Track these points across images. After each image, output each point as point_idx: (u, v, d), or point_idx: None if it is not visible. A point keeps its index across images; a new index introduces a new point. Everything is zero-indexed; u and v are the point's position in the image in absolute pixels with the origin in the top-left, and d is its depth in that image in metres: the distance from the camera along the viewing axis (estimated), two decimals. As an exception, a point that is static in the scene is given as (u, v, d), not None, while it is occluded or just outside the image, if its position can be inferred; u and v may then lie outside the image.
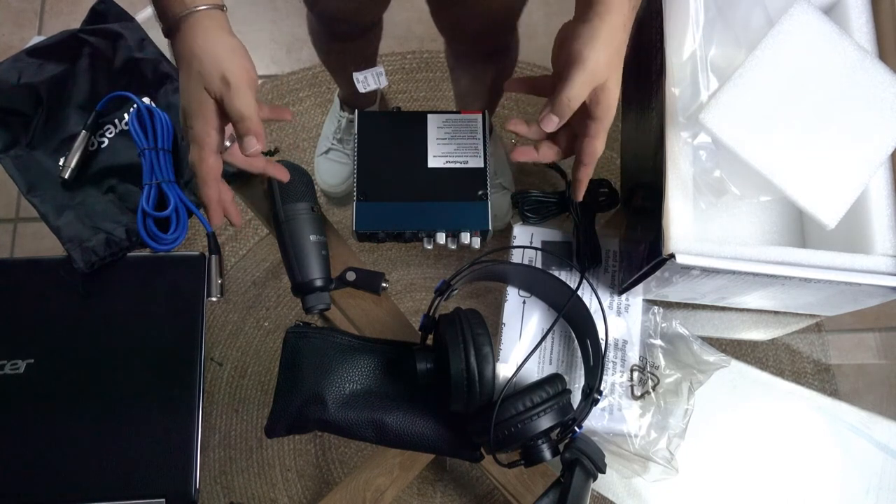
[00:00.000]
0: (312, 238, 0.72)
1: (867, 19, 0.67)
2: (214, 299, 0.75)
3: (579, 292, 0.67)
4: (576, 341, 0.70)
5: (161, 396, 0.71)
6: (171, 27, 0.56)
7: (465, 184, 0.74)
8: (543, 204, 0.75)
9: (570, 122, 0.58)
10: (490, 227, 0.73)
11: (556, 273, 0.70)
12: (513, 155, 0.61)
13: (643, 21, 0.71)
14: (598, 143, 0.58)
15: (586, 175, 0.60)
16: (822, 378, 0.88)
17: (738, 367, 0.77)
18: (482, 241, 0.75)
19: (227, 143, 0.59)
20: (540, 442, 0.60)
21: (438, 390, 0.62)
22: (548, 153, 0.62)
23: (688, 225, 0.60)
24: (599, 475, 0.62)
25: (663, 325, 0.72)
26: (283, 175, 0.66)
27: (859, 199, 0.61)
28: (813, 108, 0.61)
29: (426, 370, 0.63)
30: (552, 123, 0.56)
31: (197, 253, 0.76)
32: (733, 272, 0.59)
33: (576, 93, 0.54)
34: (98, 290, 0.74)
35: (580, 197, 0.62)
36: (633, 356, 0.70)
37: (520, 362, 0.64)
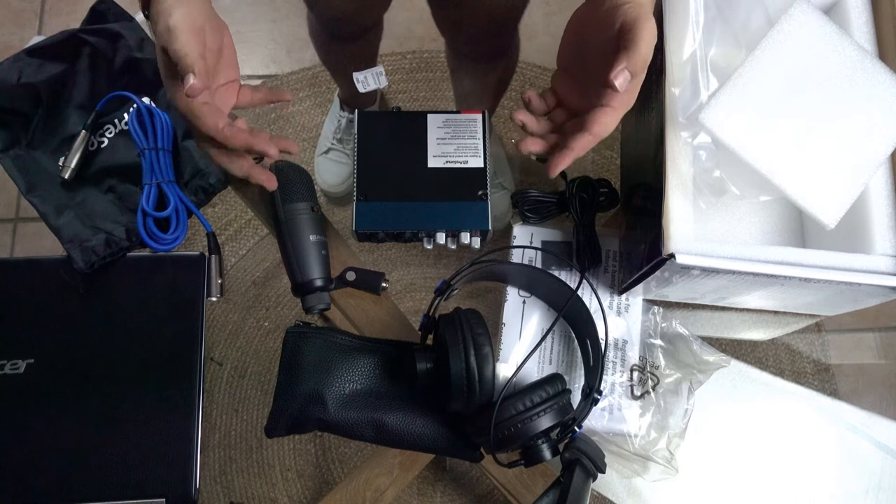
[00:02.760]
0: (312, 238, 0.72)
1: (867, 19, 0.67)
2: (214, 299, 0.75)
3: (579, 292, 0.67)
4: (576, 341, 0.70)
5: (161, 396, 0.71)
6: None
7: (465, 184, 0.74)
8: (543, 204, 0.75)
9: (576, 106, 0.57)
10: (490, 227, 0.73)
11: (556, 273, 0.70)
12: (522, 145, 0.57)
13: (643, 21, 0.71)
14: (615, 117, 0.54)
15: (583, 147, 0.54)
16: (821, 378, 0.88)
17: (738, 367, 0.78)
18: (482, 241, 0.75)
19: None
20: (540, 442, 0.60)
21: (438, 390, 0.62)
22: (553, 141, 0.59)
23: (688, 225, 0.60)
24: (599, 475, 0.62)
25: (663, 325, 0.72)
26: (270, 183, 0.65)
27: (859, 199, 0.61)
28: (813, 107, 0.61)
29: (426, 370, 0.63)
30: (626, 80, 0.50)
31: (197, 253, 0.76)
32: (733, 272, 0.59)
33: (649, 46, 0.50)
34: (98, 290, 0.74)
35: (557, 170, 0.55)
36: (633, 356, 0.70)
37: (520, 362, 0.64)
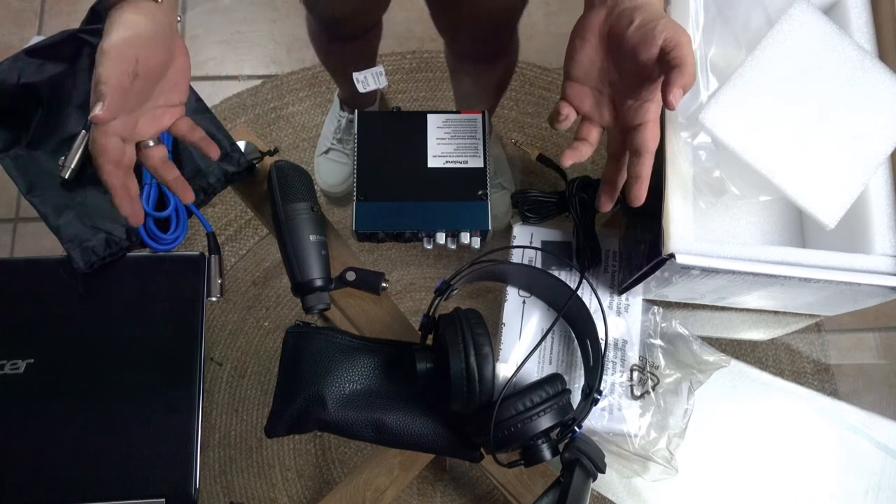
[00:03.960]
0: (312, 238, 0.72)
1: (867, 19, 0.67)
2: (214, 299, 0.75)
3: (579, 292, 0.67)
4: (576, 341, 0.70)
5: (161, 396, 0.71)
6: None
7: (465, 184, 0.74)
8: (543, 204, 0.75)
9: (589, 115, 0.58)
10: (490, 227, 0.73)
11: (556, 273, 0.70)
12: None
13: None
14: (658, 128, 0.55)
15: (650, 168, 0.55)
16: (821, 378, 0.88)
17: (738, 367, 0.78)
18: (482, 241, 0.75)
19: (150, 143, 0.60)
20: (540, 442, 0.60)
21: (438, 390, 0.62)
22: (588, 149, 0.59)
23: (688, 225, 0.60)
24: (599, 475, 0.62)
25: (663, 325, 0.72)
26: (211, 151, 0.65)
27: (859, 199, 0.61)
28: (812, 108, 0.61)
29: (426, 370, 0.63)
30: (679, 97, 0.51)
31: (197, 253, 0.76)
32: (733, 272, 0.59)
33: (694, 61, 0.51)
34: (98, 290, 0.74)
35: (642, 199, 0.56)
36: (633, 356, 0.70)
37: (520, 362, 0.64)
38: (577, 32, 0.57)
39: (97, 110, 0.53)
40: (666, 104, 0.51)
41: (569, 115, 0.57)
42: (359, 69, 0.81)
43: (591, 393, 0.63)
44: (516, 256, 0.74)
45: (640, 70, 0.53)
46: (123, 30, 0.54)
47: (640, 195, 0.56)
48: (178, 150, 0.78)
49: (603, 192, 0.61)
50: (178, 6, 0.60)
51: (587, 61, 0.56)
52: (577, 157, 0.58)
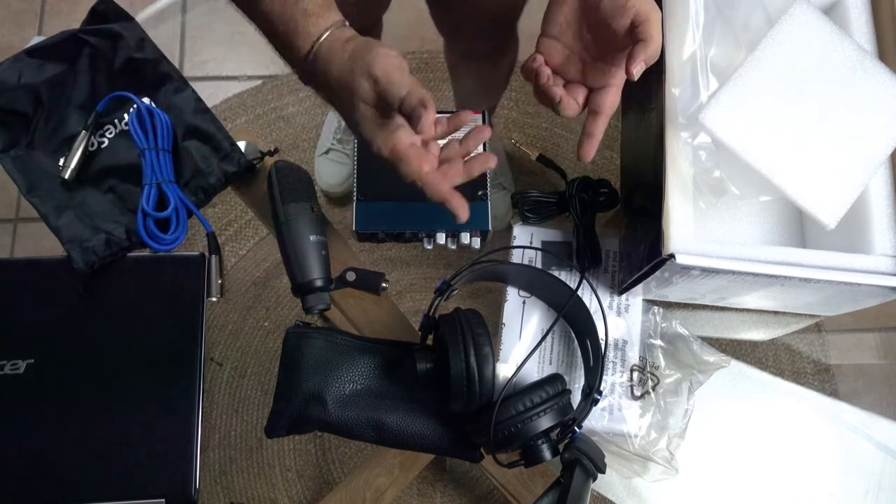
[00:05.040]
0: (312, 238, 0.72)
1: (867, 19, 0.67)
2: (214, 299, 0.75)
3: (579, 292, 0.67)
4: (576, 341, 0.70)
5: (161, 396, 0.71)
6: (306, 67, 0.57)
7: (465, 184, 0.74)
8: (543, 204, 0.75)
9: (560, 70, 0.59)
10: (490, 228, 0.73)
11: (556, 273, 0.70)
12: (585, 153, 0.58)
13: (643, 21, 0.71)
14: (619, 95, 0.58)
15: (602, 129, 0.58)
16: (821, 378, 0.88)
17: (738, 367, 0.78)
18: (482, 242, 0.75)
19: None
20: (540, 442, 0.60)
21: (438, 390, 0.62)
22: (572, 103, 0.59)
23: (688, 225, 0.60)
24: (599, 475, 0.62)
25: (663, 325, 0.72)
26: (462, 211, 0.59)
27: (859, 199, 0.61)
28: (813, 108, 0.61)
29: (426, 370, 0.63)
30: (641, 70, 0.54)
31: (197, 253, 0.76)
32: (733, 272, 0.59)
33: (660, 37, 0.54)
34: (98, 290, 0.74)
35: (590, 155, 0.58)
36: (633, 356, 0.70)
37: (520, 362, 0.64)
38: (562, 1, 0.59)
39: (425, 118, 0.52)
40: (628, 75, 0.54)
41: (540, 64, 0.58)
42: (359, 69, 0.81)
43: (592, 393, 0.63)
44: (516, 256, 0.74)
45: (611, 37, 0.56)
46: (366, 55, 0.54)
47: (590, 152, 0.58)
48: (178, 150, 0.78)
49: (581, 142, 0.60)
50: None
51: (563, 21, 0.59)
52: (592, 147, 0.58)
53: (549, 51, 0.60)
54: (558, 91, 0.57)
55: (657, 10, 0.54)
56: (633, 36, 0.54)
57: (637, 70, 0.54)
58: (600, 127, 0.58)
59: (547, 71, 0.58)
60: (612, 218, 0.79)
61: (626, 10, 0.54)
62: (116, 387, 0.71)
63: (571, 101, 0.58)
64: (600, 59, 0.58)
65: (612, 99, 0.58)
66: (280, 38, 0.59)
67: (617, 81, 0.58)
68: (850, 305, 0.71)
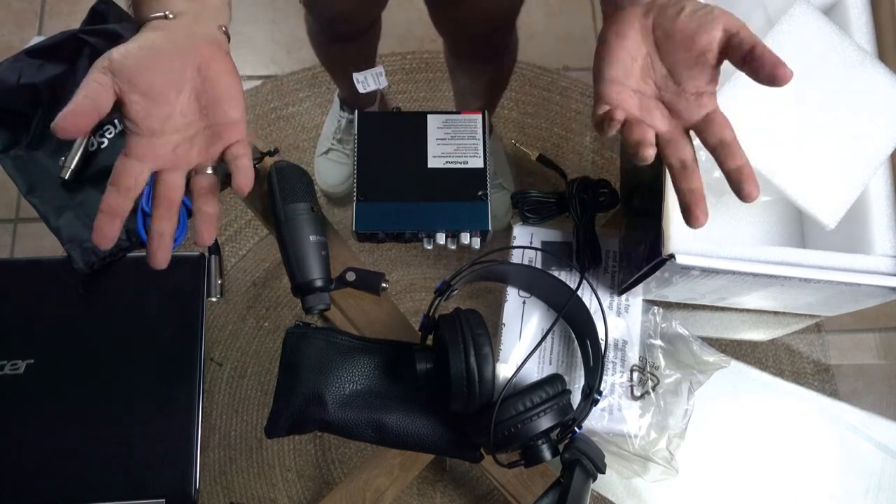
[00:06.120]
0: (312, 238, 0.72)
1: (867, 19, 0.67)
2: (214, 299, 0.75)
3: (579, 292, 0.67)
4: (576, 341, 0.70)
5: (161, 396, 0.71)
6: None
7: (465, 184, 0.74)
8: (543, 204, 0.75)
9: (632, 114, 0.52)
10: (490, 228, 0.73)
11: (556, 273, 0.70)
12: (694, 212, 0.51)
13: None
14: (723, 115, 0.51)
15: (743, 153, 0.50)
16: (821, 378, 0.88)
17: (738, 368, 0.77)
18: (482, 242, 0.75)
19: (208, 170, 0.56)
20: (540, 442, 0.60)
21: (438, 390, 0.62)
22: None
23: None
24: (599, 475, 0.62)
25: (663, 326, 0.72)
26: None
27: (859, 200, 0.61)
28: (813, 108, 0.61)
29: (426, 370, 0.63)
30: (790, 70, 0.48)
31: (197, 253, 0.76)
32: (733, 272, 0.59)
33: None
34: (98, 290, 0.74)
35: (755, 193, 0.49)
36: (633, 356, 0.70)
37: (520, 362, 0.64)
38: (614, 31, 0.53)
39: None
40: (778, 79, 0.48)
41: (617, 116, 0.51)
42: (358, 69, 0.81)
43: (592, 393, 0.63)
44: (516, 257, 0.74)
45: (695, 60, 0.51)
46: (126, 47, 0.52)
47: (750, 189, 0.49)
48: (178, 150, 0.77)
49: (690, 204, 0.51)
50: (214, 17, 0.57)
51: (627, 59, 0.52)
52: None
53: (619, 97, 0.52)
54: (641, 132, 0.50)
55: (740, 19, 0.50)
56: (738, 46, 0.49)
57: (786, 70, 0.48)
58: (741, 152, 0.50)
59: (619, 115, 0.51)
60: (612, 218, 0.79)
61: (714, 21, 0.50)
62: (116, 387, 0.71)
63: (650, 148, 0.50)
64: (686, 89, 0.52)
65: (724, 120, 0.51)
66: None
67: (714, 105, 0.52)
68: (850, 305, 0.71)
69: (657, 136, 0.52)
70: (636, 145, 0.50)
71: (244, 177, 0.54)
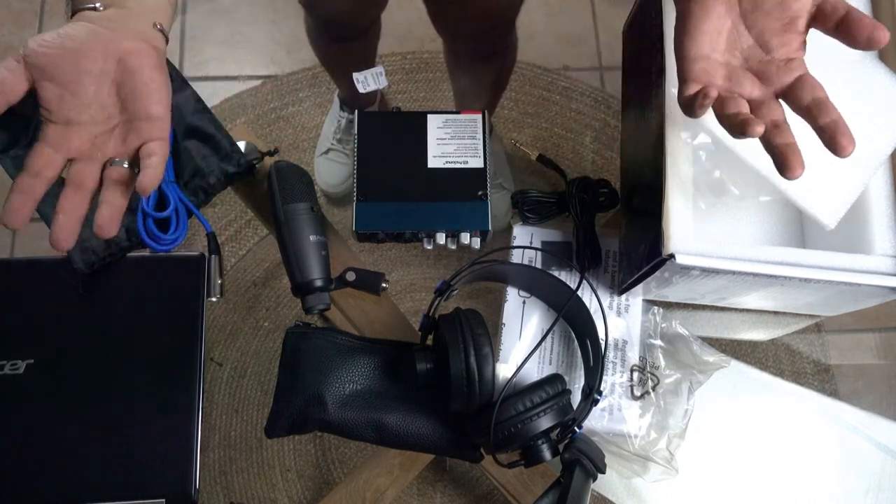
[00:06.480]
0: (312, 238, 0.72)
1: (867, 19, 0.67)
2: (214, 299, 0.75)
3: (579, 292, 0.67)
4: (576, 341, 0.70)
5: (161, 396, 0.71)
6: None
7: (465, 184, 0.74)
8: (543, 204, 0.75)
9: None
10: (490, 228, 0.73)
11: (556, 273, 0.70)
12: (791, 170, 0.48)
13: (643, 21, 0.71)
14: (813, 77, 0.51)
15: (837, 110, 0.48)
16: (821, 378, 0.88)
17: (738, 367, 0.78)
18: (482, 242, 0.75)
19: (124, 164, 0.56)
20: (540, 442, 0.60)
21: (438, 390, 0.62)
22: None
23: (688, 225, 0.60)
24: (599, 475, 0.62)
25: (663, 326, 0.72)
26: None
27: (859, 200, 0.61)
28: (813, 108, 0.61)
29: (426, 370, 0.63)
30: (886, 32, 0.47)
31: (197, 253, 0.76)
32: (733, 272, 0.59)
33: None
34: (98, 290, 0.74)
35: (850, 147, 0.47)
36: (633, 356, 0.70)
37: (520, 362, 0.64)
38: (697, 6, 0.51)
39: None
40: (876, 42, 0.47)
41: (709, 92, 0.49)
42: (358, 69, 0.81)
43: (592, 393, 0.63)
44: (516, 257, 0.74)
45: (784, 28, 0.51)
46: (43, 37, 0.53)
47: (846, 143, 0.48)
48: (178, 150, 0.77)
49: (788, 156, 0.48)
50: (150, 14, 0.57)
51: (713, 33, 0.51)
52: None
53: (707, 73, 0.51)
54: (736, 106, 0.49)
55: None
56: (826, 14, 0.49)
57: (883, 31, 0.47)
58: (834, 109, 0.49)
59: (713, 92, 0.49)
60: (612, 218, 0.79)
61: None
62: (116, 387, 0.71)
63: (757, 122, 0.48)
64: (776, 56, 0.51)
65: (814, 81, 0.50)
66: None
67: (804, 69, 0.51)
68: (850, 305, 0.71)
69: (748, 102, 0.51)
70: (738, 123, 0.48)
71: (148, 178, 0.53)
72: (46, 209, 0.75)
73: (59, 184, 0.75)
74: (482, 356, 0.59)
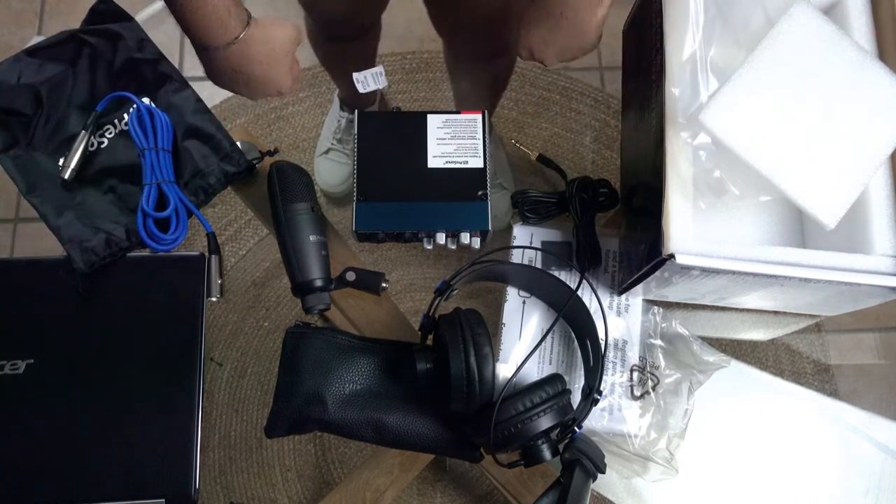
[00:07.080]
0: (312, 238, 0.72)
1: (867, 19, 0.67)
2: (214, 299, 0.75)
3: (579, 292, 0.67)
4: (576, 341, 0.70)
5: (161, 396, 0.71)
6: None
7: (465, 184, 0.74)
8: (543, 204, 0.75)
9: None
10: (490, 228, 0.73)
11: (555, 273, 0.70)
12: None
13: (643, 21, 0.71)
14: None
15: None
16: (821, 378, 0.88)
17: (738, 367, 0.78)
18: (482, 242, 0.75)
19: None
20: (540, 442, 0.60)
21: (438, 390, 0.62)
22: None
23: (688, 225, 0.60)
24: (599, 475, 0.62)
25: (663, 326, 0.72)
26: None
27: (859, 200, 0.61)
28: (813, 108, 0.61)
29: (426, 370, 0.63)
30: None
31: (197, 253, 0.76)
32: (733, 272, 0.59)
33: None
34: (98, 290, 0.74)
35: None
36: (633, 356, 0.70)
37: (520, 362, 0.64)
38: None
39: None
40: None
41: None
42: (358, 70, 0.81)
43: (591, 393, 0.63)
44: (516, 256, 0.74)
45: None
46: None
47: None
48: (178, 150, 0.78)
49: None
50: None
51: None
52: None
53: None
54: None
55: None
56: None
57: None
58: None
59: None
60: (612, 218, 0.79)
61: None
62: (116, 387, 0.71)
63: None
64: None
65: None
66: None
67: None
68: (850, 305, 0.71)
69: None
70: None
71: None
72: (47, 209, 0.75)
73: (62, 185, 0.76)
74: (482, 356, 0.59)
